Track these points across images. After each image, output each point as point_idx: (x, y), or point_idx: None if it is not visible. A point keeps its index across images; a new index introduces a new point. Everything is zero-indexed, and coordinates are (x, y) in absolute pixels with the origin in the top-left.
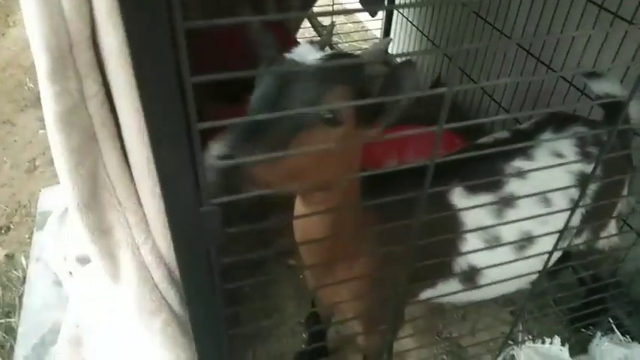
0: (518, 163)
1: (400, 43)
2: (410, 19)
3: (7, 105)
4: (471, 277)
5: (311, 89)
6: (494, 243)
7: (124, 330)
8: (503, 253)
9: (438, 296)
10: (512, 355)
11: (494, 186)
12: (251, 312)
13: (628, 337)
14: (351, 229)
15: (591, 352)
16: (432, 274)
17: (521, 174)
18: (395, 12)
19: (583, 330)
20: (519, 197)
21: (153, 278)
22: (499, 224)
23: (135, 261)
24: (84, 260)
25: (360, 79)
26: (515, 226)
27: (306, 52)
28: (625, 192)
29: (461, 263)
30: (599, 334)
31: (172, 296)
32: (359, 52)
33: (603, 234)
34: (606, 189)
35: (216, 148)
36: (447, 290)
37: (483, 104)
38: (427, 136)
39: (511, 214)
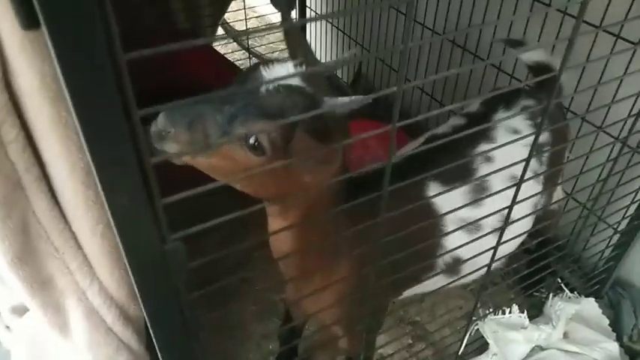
0: (483, 147)
1: (317, 40)
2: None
3: None
4: (455, 268)
5: (245, 111)
6: (475, 231)
7: None
8: (485, 239)
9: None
10: (477, 330)
11: (466, 174)
12: (212, 332)
13: (575, 293)
14: (323, 239)
15: (547, 312)
16: (418, 272)
17: (487, 158)
18: (307, 9)
19: (535, 294)
20: (478, 178)
21: (105, 322)
22: (459, 207)
23: (83, 307)
24: (20, 310)
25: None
26: (492, 210)
27: (280, 72)
28: (567, 154)
29: (445, 257)
30: (550, 295)
31: (129, 336)
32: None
33: (555, 197)
34: (555, 154)
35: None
36: (431, 283)
37: (415, 97)
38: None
39: (486, 198)
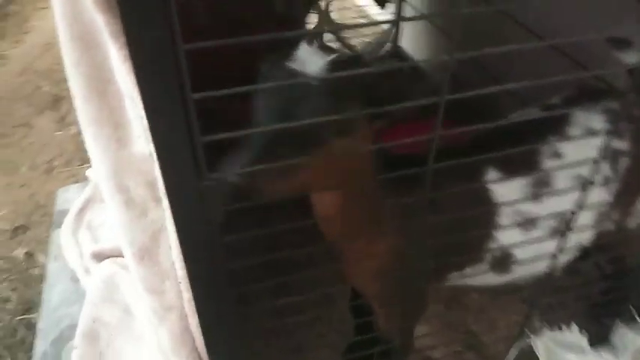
0: (554, 142)
1: (410, 34)
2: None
3: (24, 109)
4: (504, 265)
5: (325, 107)
6: (529, 226)
7: (138, 326)
8: (539, 239)
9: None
10: (530, 345)
11: (530, 167)
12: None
13: None
14: (366, 207)
15: (613, 341)
16: (462, 260)
17: (556, 154)
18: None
19: (604, 320)
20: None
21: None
22: (500, 202)
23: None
24: (99, 256)
25: (366, 80)
26: (550, 208)
27: (308, 58)
28: None
29: (493, 250)
30: (618, 323)
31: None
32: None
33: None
34: (637, 164)
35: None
36: (478, 277)
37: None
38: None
39: (547, 195)
